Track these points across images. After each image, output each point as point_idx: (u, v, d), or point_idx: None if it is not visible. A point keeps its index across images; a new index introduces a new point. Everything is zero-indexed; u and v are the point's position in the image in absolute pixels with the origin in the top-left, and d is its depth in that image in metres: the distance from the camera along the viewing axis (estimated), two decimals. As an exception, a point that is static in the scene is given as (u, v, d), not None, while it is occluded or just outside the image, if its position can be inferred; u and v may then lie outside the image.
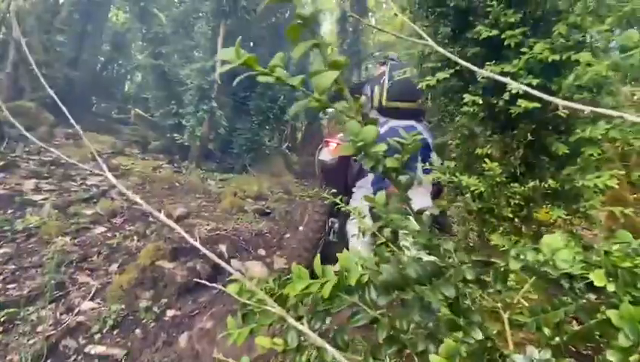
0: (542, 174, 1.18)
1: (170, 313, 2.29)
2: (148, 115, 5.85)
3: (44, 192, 3.24)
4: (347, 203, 2.64)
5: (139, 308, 2.22)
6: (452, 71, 1.20)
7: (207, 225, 3.33)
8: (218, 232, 3.24)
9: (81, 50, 5.85)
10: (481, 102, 1.13)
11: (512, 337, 0.54)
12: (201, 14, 5.75)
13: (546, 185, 1.14)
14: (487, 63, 1.13)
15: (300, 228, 3.73)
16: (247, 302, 0.39)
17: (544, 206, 1.20)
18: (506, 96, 1.08)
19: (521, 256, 0.39)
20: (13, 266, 2.37)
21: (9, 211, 2.87)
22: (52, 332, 1.95)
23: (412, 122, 2.51)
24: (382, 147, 0.33)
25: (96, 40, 6.21)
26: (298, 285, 0.38)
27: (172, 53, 5.89)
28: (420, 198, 2.51)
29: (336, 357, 0.29)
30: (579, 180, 1.07)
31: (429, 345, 0.36)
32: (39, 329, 1.95)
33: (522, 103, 1.02)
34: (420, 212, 0.38)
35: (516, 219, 1.26)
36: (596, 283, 0.39)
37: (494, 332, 0.54)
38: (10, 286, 2.21)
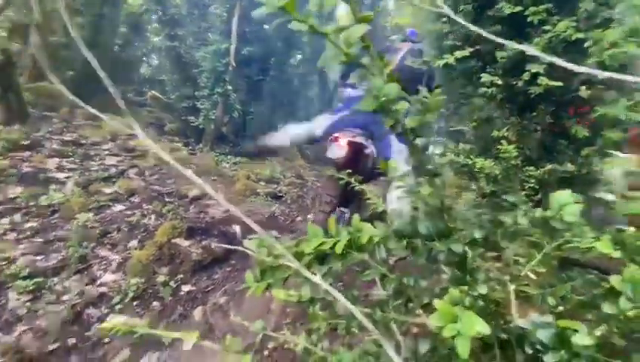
0: (559, 158, 1.16)
1: (185, 288, 2.39)
2: (164, 98, 5.93)
3: (67, 171, 3.37)
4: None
5: (157, 282, 2.32)
6: (471, 50, 1.17)
7: (221, 206, 3.41)
8: (232, 213, 3.31)
9: (99, 32, 5.92)
10: (500, 82, 1.11)
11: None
12: (216, -5, 5.69)
13: (563, 169, 1.12)
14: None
15: (309, 216, 3.77)
16: (265, 258, 0.42)
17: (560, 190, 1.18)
18: (526, 76, 1.06)
19: (529, 214, 0.40)
20: (40, 240, 2.49)
21: (34, 188, 3.00)
22: (77, 301, 2.07)
23: None
24: (404, 105, 0.34)
25: (113, 22, 6.27)
26: (313, 242, 0.41)
27: (187, 35, 5.88)
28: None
29: (347, 307, 0.31)
30: (597, 163, 1.05)
31: (434, 299, 0.38)
32: (65, 298, 2.07)
33: (543, 81, 1.00)
34: (435, 174, 0.39)
35: (530, 203, 1.25)
36: (602, 250, 0.40)
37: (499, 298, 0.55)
38: (37, 258, 2.34)
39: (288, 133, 3.28)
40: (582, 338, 0.31)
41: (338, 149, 2.51)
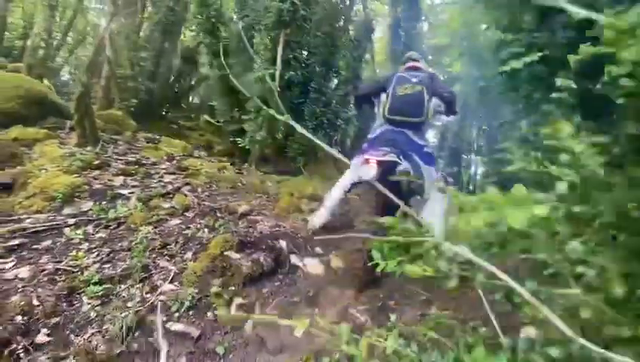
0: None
1: (237, 300, 2.44)
2: (214, 121, 6.36)
3: (131, 187, 3.68)
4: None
5: (210, 293, 2.40)
6: (540, 55, 1.15)
7: (268, 221, 3.49)
8: (278, 229, 3.38)
9: (159, 64, 6.60)
10: (574, 86, 1.06)
11: None
12: (262, 26, 6.11)
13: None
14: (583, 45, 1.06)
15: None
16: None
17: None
18: (605, 78, 1.00)
19: None
20: (108, 249, 2.71)
21: (103, 202, 3.29)
22: (139, 308, 2.19)
23: (404, 130, 2.75)
24: None
25: (171, 54, 6.97)
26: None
27: (235, 64, 6.33)
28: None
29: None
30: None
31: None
32: (129, 304, 2.21)
33: (626, 84, 0.94)
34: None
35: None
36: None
37: None
38: (105, 265, 2.54)
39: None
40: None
41: (369, 170, 2.62)
